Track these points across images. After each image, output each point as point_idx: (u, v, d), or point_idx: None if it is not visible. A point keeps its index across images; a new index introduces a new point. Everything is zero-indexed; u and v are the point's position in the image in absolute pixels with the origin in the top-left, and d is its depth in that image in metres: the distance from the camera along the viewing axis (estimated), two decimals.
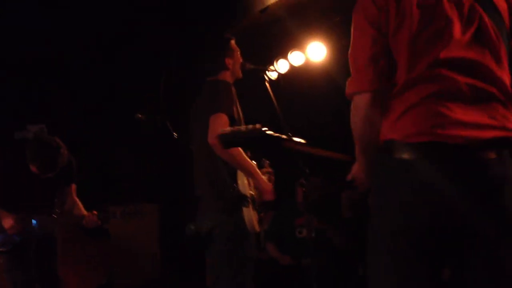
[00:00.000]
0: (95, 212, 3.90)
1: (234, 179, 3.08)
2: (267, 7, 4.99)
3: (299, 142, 2.13)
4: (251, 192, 3.12)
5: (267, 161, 3.40)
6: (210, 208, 3.17)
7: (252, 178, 3.12)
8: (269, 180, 3.28)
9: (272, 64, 5.77)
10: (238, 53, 3.37)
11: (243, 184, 3.07)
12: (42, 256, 3.87)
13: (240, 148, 3.02)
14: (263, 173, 3.24)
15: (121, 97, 6.02)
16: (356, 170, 1.95)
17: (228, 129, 1.99)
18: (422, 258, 1.65)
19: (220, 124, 2.98)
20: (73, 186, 4.07)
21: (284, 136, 2.01)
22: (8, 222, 3.71)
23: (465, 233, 1.64)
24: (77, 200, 4.08)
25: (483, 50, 1.72)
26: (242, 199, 3.03)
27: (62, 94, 5.73)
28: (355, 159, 1.95)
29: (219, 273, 3.14)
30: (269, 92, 3.36)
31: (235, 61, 3.32)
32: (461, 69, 1.69)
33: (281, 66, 5.82)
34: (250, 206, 3.05)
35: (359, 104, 1.77)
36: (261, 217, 3.24)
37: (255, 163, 3.20)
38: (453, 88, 1.67)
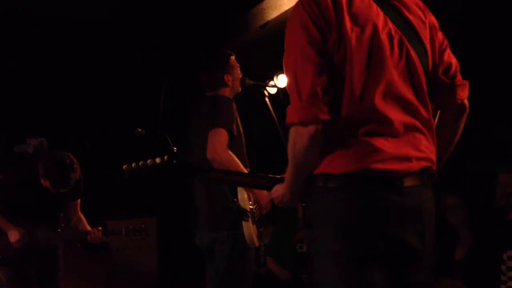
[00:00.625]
0: (100, 228, 3.90)
1: (234, 194, 3.08)
2: (267, 23, 5.03)
3: (214, 171, 2.09)
4: (250, 206, 3.12)
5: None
6: (210, 223, 3.16)
7: (252, 191, 3.12)
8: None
9: (272, 79, 5.79)
10: (238, 69, 3.38)
11: (243, 198, 3.06)
12: (44, 270, 3.87)
13: (238, 162, 3.03)
14: None
15: (120, 110, 6.04)
16: (282, 191, 1.95)
17: (133, 164, 1.98)
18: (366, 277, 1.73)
19: (220, 139, 2.99)
20: (78, 201, 4.08)
21: (194, 167, 1.99)
22: (14, 236, 3.71)
23: (394, 253, 1.74)
24: (81, 215, 4.08)
25: (409, 84, 1.78)
26: (242, 213, 3.02)
27: (61, 106, 5.74)
28: (275, 181, 2.02)
29: None
30: (269, 107, 3.37)
31: (235, 78, 3.34)
32: (393, 104, 1.75)
33: (280, 81, 5.84)
34: (250, 221, 3.05)
35: (303, 135, 1.71)
36: (261, 231, 3.24)
37: None
38: (387, 124, 1.73)
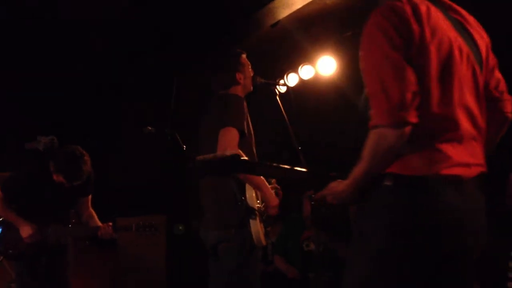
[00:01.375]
0: (110, 223, 3.93)
1: (243, 192, 3.08)
2: (278, 22, 5.02)
3: (275, 167, 2.14)
4: (258, 205, 3.11)
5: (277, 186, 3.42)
6: (217, 221, 3.15)
7: (260, 191, 3.12)
8: (277, 195, 3.29)
9: (282, 78, 5.80)
10: (249, 67, 3.38)
11: (251, 197, 3.05)
12: (54, 267, 3.89)
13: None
14: (271, 189, 3.25)
15: (129, 109, 6.06)
16: (343, 187, 2.00)
17: (202, 156, 2.03)
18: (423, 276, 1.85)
19: (230, 138, 2.98)
20: (90, 197, 4.10)
21: (257, 162, 2.05)
22: (26, 231, 3.74)
23: (451, 253, 1.87)
24: (92, 211, 4.11)
25: (474, 95, 1.94)
26: (249, 212, 3.02)
27: (71, 105, 5.77)
28: (332, 177, 2.07)
29: None
30: (279, 106, 3.37)
31: (246, 76, 3.33)
32: (462, 114, 1.89)
33: (290, 80, 5.85)
34: (258, 219, 3.04)
35: (389, 136, 1.80)
36: (268, 230, 3.23)
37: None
38: (456, 132, 1.87)
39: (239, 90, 3.30)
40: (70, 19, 4.75)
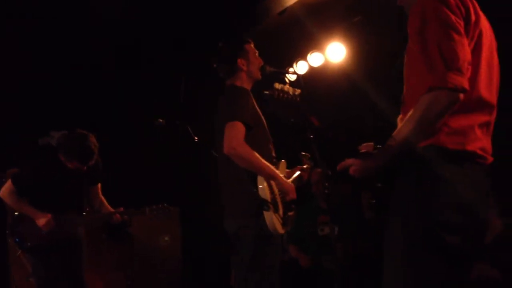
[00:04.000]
0: (121, 208, 4.00)
1: (254, 184, 3.08)
2: (286, 9, 5.00)
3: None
4: (273, 195, 3.11)
5: (308, 155, 3.43)
6: (234, 211, 3.17)
7: (273, 180, 3.11)
8: (301, 177, 3.35)
9: (292, 66, 5.78)
10: (255, 54, 3.35)
11: (263, 188, 3.05)
12: (70, 259, 3.93)
13: (256, 154, 3.02)
14: (297, 170, 3.28)
15: (141, 101, 6.07)
16: (373, 157, 2.02)
17: (273, 88, 2.11)
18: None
19: (235, 133, 2.98)
20: (99, 185, 4.14)
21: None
22: (42, 220, 3.78)
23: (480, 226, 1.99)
24: (103, 198, 4.16)
25: (494, 93, 2.04)
26: (262, 203, 3.02)
27: (86, 98, 5.79)
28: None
29: (243, 278, 3.14)
30: None
31: (250, 62, 3.31)
32: (490, 106, 2.00)
33: (300, 68, 5.83)
34: (272, 209, 3.04)
35: (441, 99, 1.83)
36: (289, 216, 3.22)
37: (284, 160, 3.23)
38: (489, 121, 1.98)
39: (244, 78, 3.28)
40: (82, 14, 4.77)
